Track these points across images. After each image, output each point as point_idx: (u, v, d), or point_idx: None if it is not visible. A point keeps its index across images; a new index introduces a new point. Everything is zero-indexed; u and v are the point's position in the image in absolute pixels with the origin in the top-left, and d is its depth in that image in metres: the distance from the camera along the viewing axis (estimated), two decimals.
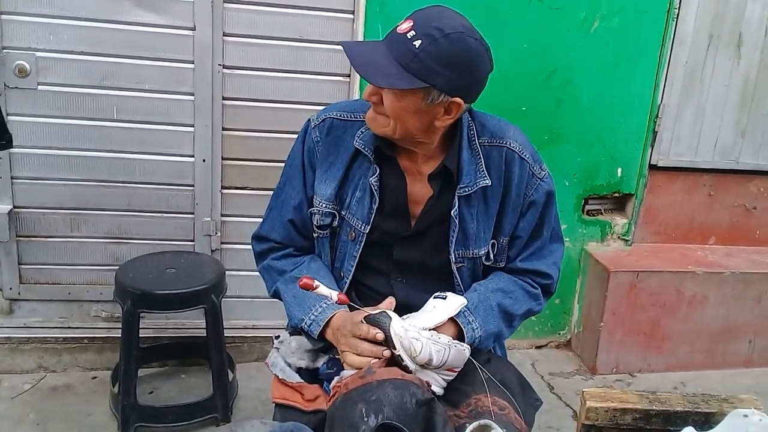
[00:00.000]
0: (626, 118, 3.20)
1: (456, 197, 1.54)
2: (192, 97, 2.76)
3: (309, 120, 1.65)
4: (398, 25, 1.41)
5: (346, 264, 1.61)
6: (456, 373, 1.47)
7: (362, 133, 1.56)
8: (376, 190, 1.55)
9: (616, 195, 3.36)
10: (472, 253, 1.60)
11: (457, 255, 1.59)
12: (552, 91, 3.08)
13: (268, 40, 2.76)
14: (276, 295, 1.68)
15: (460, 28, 1.38)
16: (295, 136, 1.68)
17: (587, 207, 3.35)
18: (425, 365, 1.42)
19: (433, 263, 1.61)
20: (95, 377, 2.82)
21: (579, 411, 1.34)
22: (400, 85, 1.37)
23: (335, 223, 1.60)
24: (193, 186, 2.85)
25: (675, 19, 3.12)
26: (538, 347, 3.41)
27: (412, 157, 1.57)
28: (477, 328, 1.53)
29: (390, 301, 1.55)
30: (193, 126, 2.79)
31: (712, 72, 3.28)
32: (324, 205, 1.59)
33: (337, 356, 1.53)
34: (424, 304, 1.55)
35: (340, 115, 1.61)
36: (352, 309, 1.51)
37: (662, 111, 3.25)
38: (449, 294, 1.53)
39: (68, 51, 2.64)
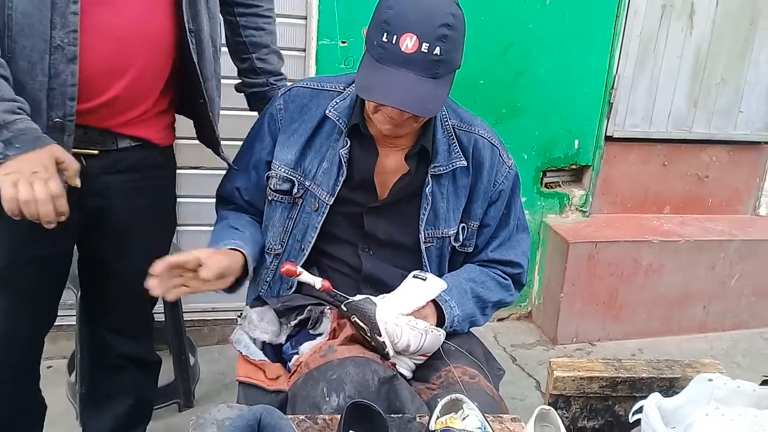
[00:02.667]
0: (583, 90, 3.21)
1: (429, 175, 1.54)
2: None
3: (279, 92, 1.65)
4: (402, 46, 1.32)
5: (306, 235, 1.58)
6: (427, 358, 1.46)
7: (337, 103, 1.54)
8: (345, 162, 1.52)
9: (574, 167, 3.38)
10: (442, 233, 1.59)
11: (426, 234, 1.58)
12: (509, 64, 3.07)
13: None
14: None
15: (450, 8, 1.35)
16: (251, 113, 1.72)
17: (545, 180, 3.37)
18: (401, 351, 1.40)
19: (402, 239, 1.59)
20: (50, 366, 2.72)
21: (546, 381, 1.34)
22: (446, 96, 1.41)
23: (295, 191, 1.56)
24: None
25: None
26: (500, 320, 3.43)
27: (390, 138, 1.54)
28: (455, 306, 1.52)
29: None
30: None
31: (665, 42, 3.31)
32: (283, 170, 1.56)
33: (297, 330, 1.52)
34: (390, 278, 1.55)
35: (307, 84, 1.60)
36: (334, 297, 1.48)
37: (617, 82, 3.27)
38: (429, 275, 1.51)
39: None
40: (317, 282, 1.45)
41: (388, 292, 1.52)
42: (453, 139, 1.57)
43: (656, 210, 3.60)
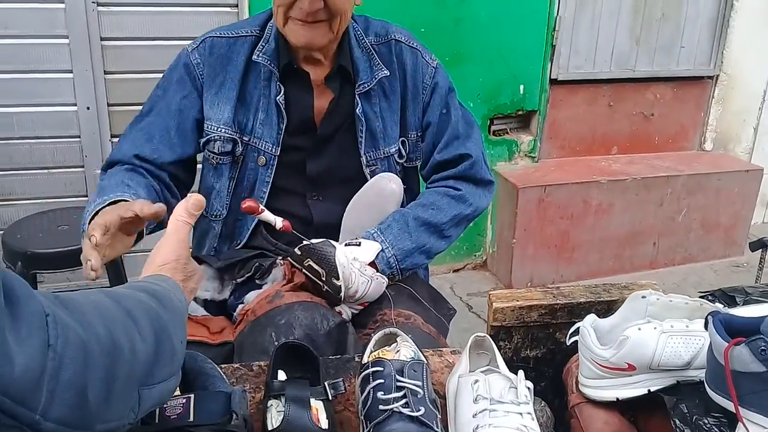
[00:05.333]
0: (525, 34, 3.19)
1: (357, 96, 1.49)
2: (66, 40, 2.56)
3: (183, 49, 1.52)
4: None
5: (257, 191, 1.52)
6: (365, 306, 1.44)
7: (263, 47, 1.46)
8: (284, 108, 1.46)
9: (520, 113, 3.37)
10: (384, 152, 1.54)
11: (368, 157, 1.53)
12: (449, 9, 3.03)
13: None
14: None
15: None
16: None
17: (493, 127, 3.36)
18: (347, 298, 1.37)
19: (345, 171, 1.53)
20: None
21: (487, 314, 1.33)
22: None
23: (237, 150, 1.49)
24: (79, 137, 2.67)
25: None
26: (456, 270, 3.44)
27: (316, 65, 1.49)
28: (387, 248, 1.47)
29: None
30: (71, 72, 2.59)
31: None
32: (223, 130, 1.47)
33: (242, 284, 1.47)
34: (341, 221, 1.50)
35: (221, 34, 1.50)
36: (294, 237, 1.40)
37: (559, 24, 3.25)
38: (362, 240, 1.46)
39: None
40: (278, 221, 1.39)
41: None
42: (372, 54, 1.51)
43: (604, 151, 3.62)
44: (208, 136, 1.48)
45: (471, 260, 3.49)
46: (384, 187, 1.52)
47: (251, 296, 1.43)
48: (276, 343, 1.24)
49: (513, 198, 3.20)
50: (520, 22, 3.15)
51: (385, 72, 1.50)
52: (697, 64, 3.64)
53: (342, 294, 1.34)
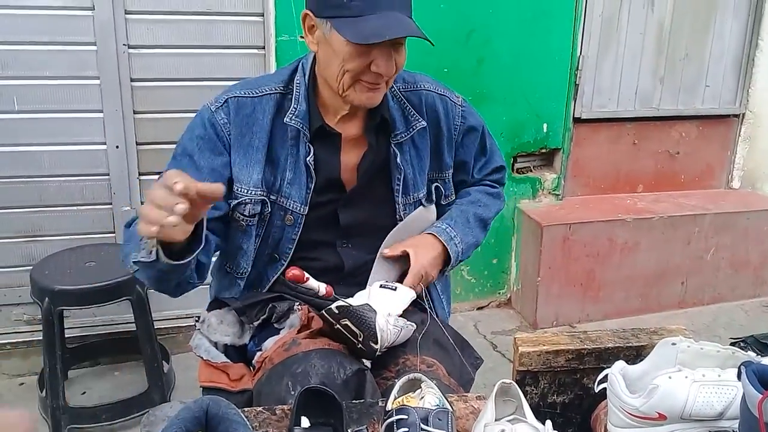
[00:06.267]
0: (548, 73, 3.20)
1: (393, 146, 1.51)
2: (98, 81, 2.61)
3: (205, 105, 1.47)
4: None
5: (282, 247, 1.51)
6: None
7: (295, 109, 1.44)
8: (313, 168, 1.46)
9: (544, 151, 3.37)
10: (413, 198, 1.57)
11: (402, 204, 1.56)
12: (472, 50, 3.05)
13: (174, 15, 2.63)
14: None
15: None
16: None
17: (516, 165, 3.36)
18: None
19: (379, 219, 1.55)
20: (22, 383, 2.68)
21: (513, 358, 1.31)
22: (417, 29, 1.33)
23: (266, 210, 1.47)
24: (108, 174, 2.71)
25: None
26: (480, 308, 3.41)
27: (345, 121, 1.49)
28: (459, 242, 1.57)
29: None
30: (101, 111, 2.64)
31: (627, 20, 3.32)
32: (253, 192, 1.44)
33: (261, 329, 1.47)
34: (370, 266, 1.52)
35: (244, 93, 1.45)
36: (337, 307, 1.37)
37: (582, 63, 3.26)
38: (398, 285, 1.48)
39: None
40: (321, 288, 1.39)
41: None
42: (404, 102, 1.53)
43: (629, 189, 3.60)
44: (239, 199, 1.44)
45: (495, 298, 3.46)
46: (428, 218, 1.61)
47: (269, 343, 1.43)
48: (292, 393, 1.24)
49: (537, 236, 3.17)
50: (542, 61, 3.16)
51: (423, 124, 1.53)
52: (723, 103, 3.63)
53: (378, 352, 1.34)
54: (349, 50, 1.32)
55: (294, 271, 1.35)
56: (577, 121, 3.35)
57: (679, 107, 3.54)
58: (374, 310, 1.33)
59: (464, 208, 1.65)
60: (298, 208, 1.47)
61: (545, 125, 3.29)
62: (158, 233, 1.08)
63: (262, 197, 1.45)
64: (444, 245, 1.55)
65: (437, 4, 2.90)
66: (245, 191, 1.44)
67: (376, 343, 1.32)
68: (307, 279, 1.37)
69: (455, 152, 1.63)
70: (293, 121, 1.43)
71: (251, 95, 1.45)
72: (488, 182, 1.74)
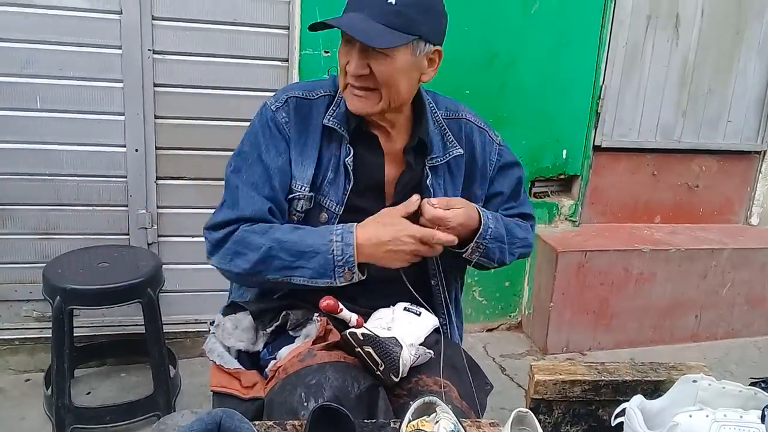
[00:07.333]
0: (569, 100, 3.19)
1: (427, 168, 1.54)
2: (121, 84, 2.62)
3: (266, 103, 1.53)
4: None
5: None
6: None
7: (334, 111, 1.49)
8: (351, 170, 1.48)
9: (562, 177, 3.35)
10: None
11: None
12: (495, 74, 3.05)
13: (201, 23, 2.65)
14: (268, 253, 1.41)
15: None
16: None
17: (534, 189, 3.34)
18: None
19: None
20: (28, 380, 2.67)
21: (528, 385, 1.29)
22: (396, 42, 1.34)
23: (311, 206, 1.50)
24: (125, 177, 2.72)
25: (613, 0, 3.12)
26: (489, 330, 3.38)
27: (386, 135, 1.53)
28: (490, 219, 1.53)
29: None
30: (123, 114, 2.65)
31: (651, 52, 3.31)
32: (305, 189, 1.48)
33: (275, 337, 1.46)
34: (392, 283, 1.49)
35: (302, 94, 1.52)
36: (363, 336, 1.35)
37: (604, 92, 3.25)
38: (422, 310, 1.47)
39: None
40: (353, 318, 1.40)
41: (390, 296, 1.49)
42: (445, 129, 1.57)
43: (647, 219, 3.57)
44: (294, 194, 1.49)
45: (506, 320, 3.43)
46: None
47: (284, 352, 1.42)
48: (305, 404, 1.23)
49: (552, 261, 3.15)
50: (564, 88, 3.15)
51: (459, 151, 1.56)
52: (744, 139, 3.60)
53: (394, 379, 1.32)
54: (340, 47, 1.42)
55: (329, 301, 1.37)
56: (597, 149, 3.33)
57: (701, 140, 3.52)
58: (400, 345, 1.32)
59: (492, 212, 1.61)
60: (334, 207, 1.50)
61: (565, 151, 3.27)
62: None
63: (310, 194, 1.49)
64: (480, 215, 1.51)
65: (461, 26, 2.90)
66: (299, 187, 1.48)
67: (397, 376, 1.31)
68: (341, 310, 1.39)
69: (489, 186, 1.64)
70: (331, 122, 1.48)
71: (308, 97, 1.52)
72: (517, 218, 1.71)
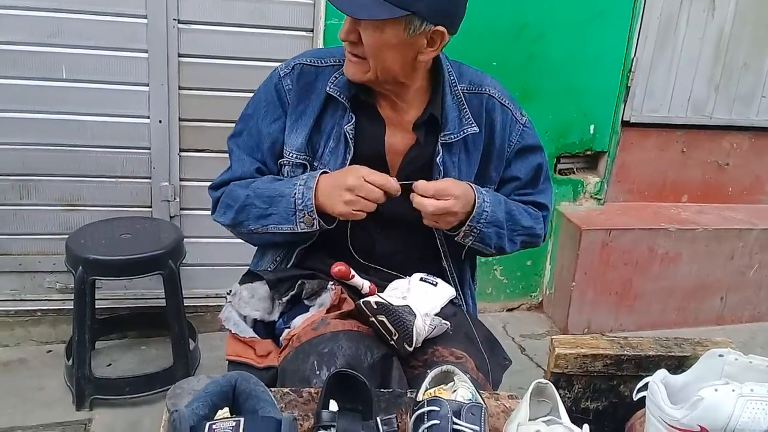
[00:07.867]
0: (599, 74, 3.12)
1: (439, 144, 1.48)
2: (146, 55, 2.61)
3: (276, 69, 1.54)
4: None
5: None
6: None
7: (336, 78, 1.47)
8: (351, 138, 1.46)
9: (589, 153, 3.29)
10: None
11: None
12: (523, 46, 2.99)
13: None
14: (246, 203, 1.47)
15: None
16: None
17: (559, 166, 3.29)
18: None
19: (413, 217, 1.49)
20: (50, 351, 2.71)
21: (548, 359, 1.27)
22: (380, 14, 1.29)
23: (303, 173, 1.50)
24: (149, 149, 2.72)
25: None
26: (510, 310, 3.36)
27: (393, 106, 1.49)
28: (488, 202, 1.46)
29: None
30: (147, 85, 2.64)
31: (686, 24, 3.21)
32: (294, 156, 1.49)
33: (291, 307, 1.45)
34: (400, 259, 1.50)
35: (310, 61, 1.52)
36: (377, 303, 1.34)
37: (635, 65, 3.18)
38: (439, 281, 1.44)
39: (11, 6, 2.47)
40: (365, 285, 1.41)
41: (397, 273, 1.48)
42: (463, 104, 1.50)
43: (674, 198, 3.49)
44: (282, 161, 1.52)
45: (526, 300, 3.40)
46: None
47: (298, 321, 1.42)
48: (317, 373, 1.23)
49: (575, 240, 3.10)
50: (594, 61, 3.08)
51: (474, 129, 1.49)
52: None
53: (408, 348, 1.31)
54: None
55: (340, 267, 1.38)
56: (626, 124, 3.26)
57: (733, 117, 3.42)
58: (414, 313, 1.29)
59: (495, 194, 1.54)
60: None
61: (592, 126, 3.21)
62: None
63: (304, 162, 1.49)
64: (474, 193, 1.45)
65: None
66: (289, 153, 1.50)
67: (411, 345, 1.29)
68: (353, 276, 1.39)
69: (505, 168, 1.58)
70: (331, 89, 1.47)
71: (315, 64, 1.51)
72: (530, 205, 1.63)
